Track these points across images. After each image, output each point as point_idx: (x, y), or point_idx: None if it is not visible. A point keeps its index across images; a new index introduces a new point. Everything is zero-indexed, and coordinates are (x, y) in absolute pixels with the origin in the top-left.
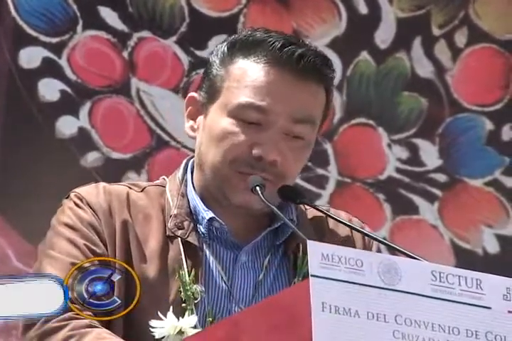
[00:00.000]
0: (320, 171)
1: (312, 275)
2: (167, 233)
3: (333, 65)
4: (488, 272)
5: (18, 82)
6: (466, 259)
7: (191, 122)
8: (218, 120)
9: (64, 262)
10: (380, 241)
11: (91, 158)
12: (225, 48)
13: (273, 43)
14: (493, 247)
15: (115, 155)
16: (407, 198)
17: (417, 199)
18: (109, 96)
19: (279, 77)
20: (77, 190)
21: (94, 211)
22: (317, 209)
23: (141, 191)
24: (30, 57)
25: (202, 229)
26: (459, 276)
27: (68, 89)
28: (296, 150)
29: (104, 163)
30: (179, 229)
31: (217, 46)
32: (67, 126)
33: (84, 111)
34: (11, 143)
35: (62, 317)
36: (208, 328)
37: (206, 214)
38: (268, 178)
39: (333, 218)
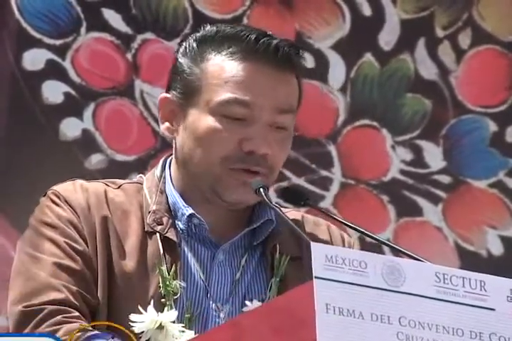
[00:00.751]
0: (324, 173)
1: (316, 277)
2: (146, 229)
3: (303, 52)
4: (493, 274)
5: (21, 84)
6: (470, 261)
7: (167, 124)
8: (201, 119)
9: (47, 262)
10: (383, 243)
11: (95, 160)
12: (194, 45)
13: (247, 36)
14: (497, 249)
15: (119, 157)
16: (411, 200)
17: (421, 201)
18: (113, 98)
19: (258, 70)
20: (54, 187)
21: (72, 208)
22: (322, 213)
23: (118, 188)
24: (33, 59)
25: (181, 225)
26: (463, 278)
27: (72, 91)
28: (281, 141)
29: (108, 165)
30: (158, 224)
31: (182, 43)
32: (70, 128)
33: (88, 113)
34: (15, 145)
35: (52, 321)
36: (211, 330)
37: (186, 210)
38: (261, 172)
39: (336, 219)
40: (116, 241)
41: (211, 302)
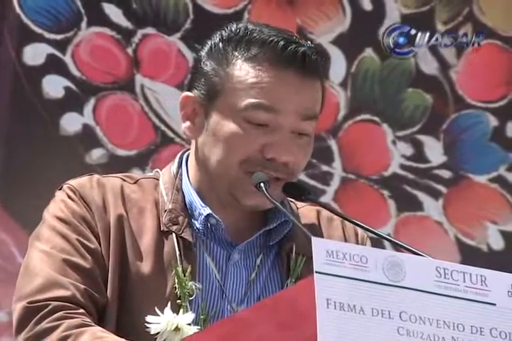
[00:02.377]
0: (324, 168)
1: (317, 272)
2: (161, 228)
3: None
4: (493, 268)
5: (22, 79)
6: (470, 256)
7: (188, 123)
8: (224, 122)
9: (56, 258)
10: (384, 238)
11: (96, 155)
12: (220, 46)
13: (274, 43)
14: (497, 243)
15: (120, 152)
16: (411, 194)
17: (422, 196)
18: (114, 93)
19: (284, 77)
20: (70, 181)
21: (87, 204)
22: (323, 207)
23: (135, 183)
24: (34, 54)
25: (197, 224)
26: (464, 273)
27: (73, 86)
28: (303, 147)
29: (109, 160)
30: (174, 224)
31: (209, 42)
32: (71, 122)
33: (88, 107)
34: (16, 140)
35: (54, 316)
36: (214, 325)
37: (204, 210)
38: (280, 177)
39: (337, 214)
40: (131, 241)
41: (226, 303)
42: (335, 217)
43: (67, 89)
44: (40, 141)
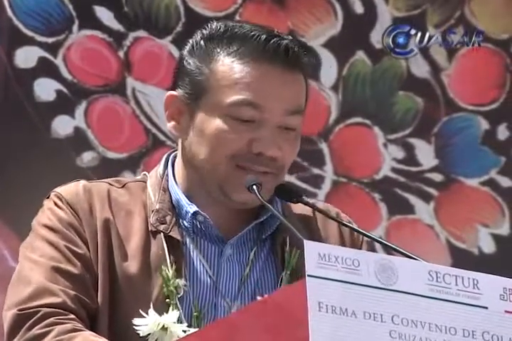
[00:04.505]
0: (316, 171)
1: (309, 275)
2: (150, 228)
3: (311, 50)
4: (484, 272)
5: (13, 82)
6: (462, 259)
7: (173, 122)
8: (210, 120)
9: (45, 266)
10: (376, 241)
11: (87, 158)
12: (202, 44)
13: (256, 37)
14: (488, 247)
15: (111, 154)
16: (402, 198)
17: (413, 199)
18: (105, 96)
19: (267, 71)
20: (57, 189)
21: (74, 211)
22: (316, 209)
23: (122, 187)
24: (25, 57)
25: (185, 223)
26: (456, 276)
27: (64, 89)
28: (290, 141)
29: (100, 163)
30: (161, 223)
31: (190, 41)
32: (62, 125)
33: (80, 110)
34: (7, 143)
35: (45, 322)
36: (203, 328)
37: (190, 207)
38: (269, 171)
39: (328, 217)
40: (117, 243)
41: (220, 298)
42: (330, 208)
43: (58, 92)
44: (31, 144)
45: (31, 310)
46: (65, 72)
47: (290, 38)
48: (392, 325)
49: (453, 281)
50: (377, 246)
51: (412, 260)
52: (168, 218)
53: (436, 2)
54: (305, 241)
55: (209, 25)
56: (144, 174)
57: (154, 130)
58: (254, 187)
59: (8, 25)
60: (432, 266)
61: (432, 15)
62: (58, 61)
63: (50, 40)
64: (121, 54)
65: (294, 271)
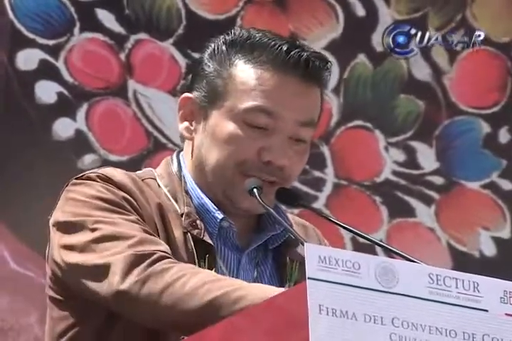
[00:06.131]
0: (317, 174)
1: (309, 278)
2: (183, 230)
3: (331, 64)
4: (485, 275)
5: (15, 84)
6: (462, 262)
7: (186, 123)
8: (223, 123)
9: (132, 226)
10: (377, 244)
11: (88, 161)
12: (223, 48)
13: (278, 47)
14: (489, 250)
15: (112, 157)
16: (403, 201)
17: (414, 202)
18: (106, 99)
19: (286, 81)
20: (97, 170)
21: (126, 190)
22: (316, 213)
23: (143, 181)
24: (27, 60)
25: (209, 228)
26: (456, 279)
27: (65, 92)
28: (299, 153)
29: (101, 166)
30: (194, 228)
31: (212, 45)
32: (64, 128)
33: (81, 113)
34: (8, 146)
35: (164, 261)
36: (205, 330)
37: (218, 213)
38: (275, 181)
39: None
40: (167, 232)
41: None
42: (307, 223)
43: (59, 94)
44: (33, 147)
45: (147, 252)
46: (66, 75)
47: (312, 50)
48: (392, 327)
49: (453, 284)
50: (378, 249)
51: (412, 263)
52: (198, 222)
53: (437, 5)
54: (306, 244)
55: (232, 31)
56: (150, 170)
57: (155, 133)
58: (255, 190)
59: (10, 27)
60: (432, 269)
61: (433, 18)
62: (60, 63)
63: (51, 42)
64: (122, 56)
65: (297, 283)
